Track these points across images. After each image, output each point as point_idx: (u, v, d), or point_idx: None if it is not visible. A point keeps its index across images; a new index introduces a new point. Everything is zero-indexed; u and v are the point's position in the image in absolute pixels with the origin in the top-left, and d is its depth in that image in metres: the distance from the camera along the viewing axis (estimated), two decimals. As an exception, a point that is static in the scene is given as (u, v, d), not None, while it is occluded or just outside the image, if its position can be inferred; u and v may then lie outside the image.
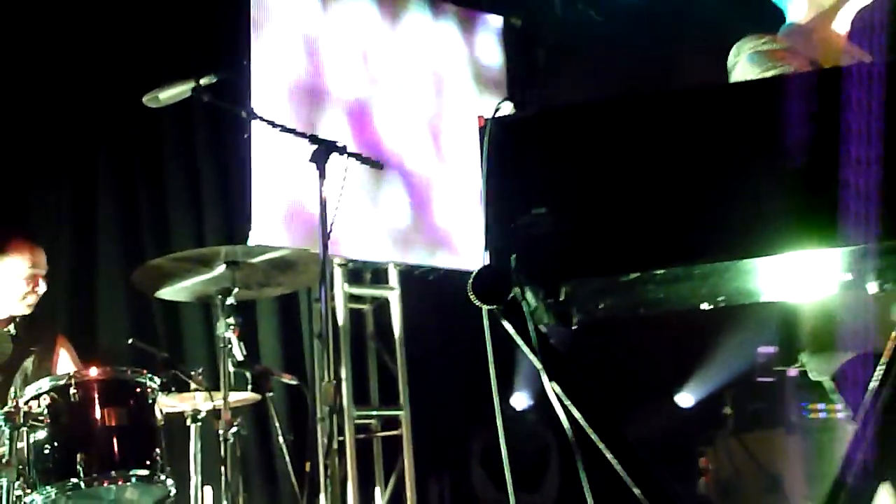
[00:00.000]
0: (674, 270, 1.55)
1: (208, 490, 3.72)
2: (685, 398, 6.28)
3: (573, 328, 1.75)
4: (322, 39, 5.40)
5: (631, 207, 1.55)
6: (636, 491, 1.51)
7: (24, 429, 3.10)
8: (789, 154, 1.50)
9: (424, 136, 5.73)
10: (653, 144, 1.57)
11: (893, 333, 1.47)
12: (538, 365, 1.54)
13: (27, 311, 3.83)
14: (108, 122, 5.02)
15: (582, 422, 1.54)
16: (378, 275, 5.71)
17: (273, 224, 4.87)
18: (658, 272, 1.54)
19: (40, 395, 3.21)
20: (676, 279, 1.60)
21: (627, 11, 6.74)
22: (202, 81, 3.44)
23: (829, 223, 1.42)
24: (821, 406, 6.29)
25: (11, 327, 3.80)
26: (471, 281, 1.51)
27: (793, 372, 6.60)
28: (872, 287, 1.63)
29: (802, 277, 1.67)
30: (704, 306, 1.75)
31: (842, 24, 2.62)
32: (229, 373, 3.52)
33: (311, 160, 3.33)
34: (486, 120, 1.63)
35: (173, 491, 3.36)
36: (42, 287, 3.81)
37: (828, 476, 1.46)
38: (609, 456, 1.52)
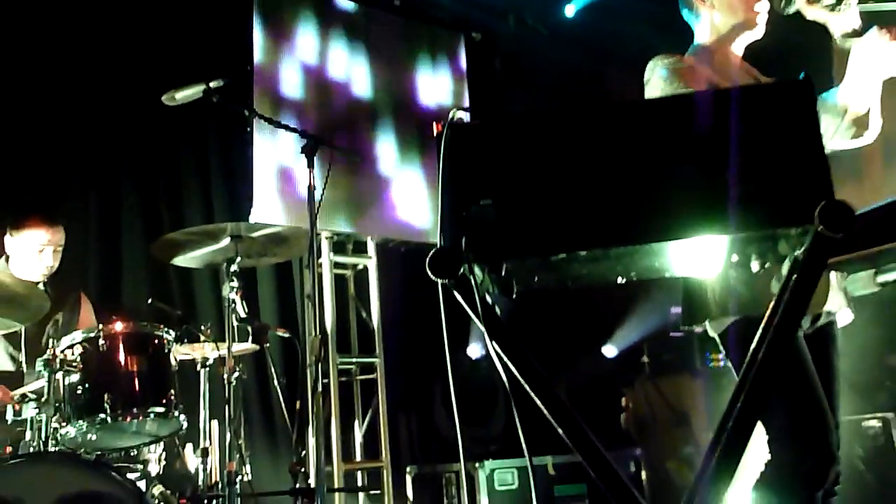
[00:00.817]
0: (594, 252, 1.58)
1: (215, 423, 3.73)
2: (610, 350, 6.36)
3: (514, 297, 1.77)
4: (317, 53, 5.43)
5: (559, 200, 1.58)
6: (559, 430, 1.54)
7: (60, 373, 3.11)
8: (689, 158, 1.54)
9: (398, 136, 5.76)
10: (577, 149, 1.60)
11: (771, 304, 1.50)
12: (482, 329, 1.56)
13: (41, 279, 3.82)
14: (132, 120, 4.97)
15: (517, 374, 1.56)
16: (358, 246, 5.73)
17: (269, 204, 4.87)
18: (581, 253, 1.57)
19: (74, 344, 3.21)
20: (596, 259, 1.62)
21: (569, 29, 6.76)
22: (212, 84, 3.42)
23: (720, 215, 1.47)
24: (721, 356, 6.41)
25: (42, 286, 3.79)
26: (427, 260, 1.54)
27: (698, 329, 6.72)
28: (755, 266, 1.67)
29: (699, 258, 1.70)
30: (620, 280, 1.78)
31: (738, 47, 2.65)
32: (233, 327, 3.52)
33: (301, 151, 3.33)
34: (443, 126, 1.65)
35: (185, 425, 3.38)
36: (50, 260, 3.81)
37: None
38: (537, 402, 1.54)
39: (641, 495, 5.26)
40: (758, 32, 2.61)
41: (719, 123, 1.52)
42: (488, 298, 1.63)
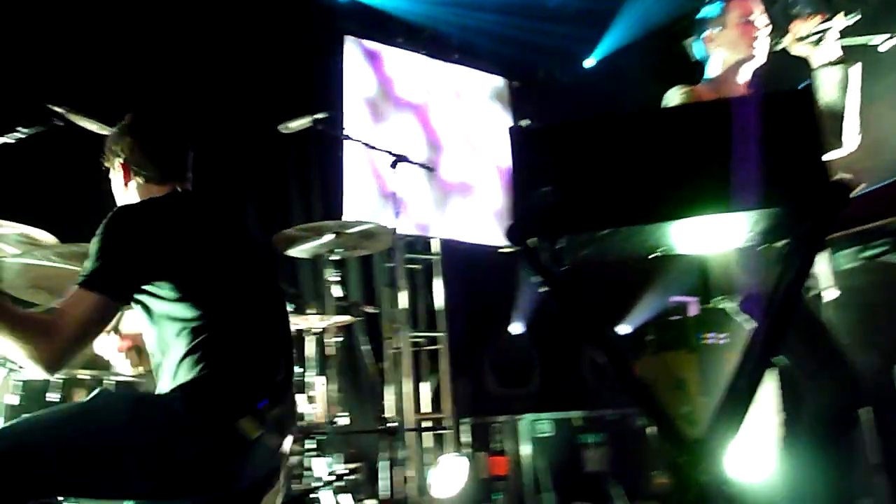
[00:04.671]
0: (630, 228, 1.57)
1: (321, 378, 3.76)
2: (623, 328, 6.29)
3: (563, 269, 1.76)
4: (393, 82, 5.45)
5: (603, 188, 1.58)
6: (612, 367, 1.51)
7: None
8: (709, 153, 1.52)
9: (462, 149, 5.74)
10: (620, 146, 1.60)
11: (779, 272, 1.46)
12: (546, 287, 1.56)
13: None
14: (255, 146, 5.03)
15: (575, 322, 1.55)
16: (426, 245, 5.74)
17: (358, 206, 4.90)
18: (620, 229, 1.56)
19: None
20: (631, 235, 1.61)
21: (588, 77, 6.74)
22: (318, 116, 3.46)
23: (733, 196, 1.44)
24: (710, 335, 6.30)
25: None
26: (505, 232, 1.55)
27: (693, 312, 6.62)
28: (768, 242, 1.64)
29: (716, 235, 1.66)
30: (651, 255, 1.76)
31: (742, 77, 2.59)
32: (332, 304, 3.56)
33: (391, 166, 3.35)
34: (513, 130, 1.65)
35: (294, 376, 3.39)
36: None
37: (713, 380, 1.48)
38: (592, 344, 1.52)
39: (648, 445, 5.20)
40: (759, 60, 2.55)
41: (735, 123, 1.50)
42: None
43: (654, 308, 6.26)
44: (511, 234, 1.53)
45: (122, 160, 1.96)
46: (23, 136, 2.91)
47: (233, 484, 1.68)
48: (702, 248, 1.84)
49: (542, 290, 1.65)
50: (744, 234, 1.66)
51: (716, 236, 1.70)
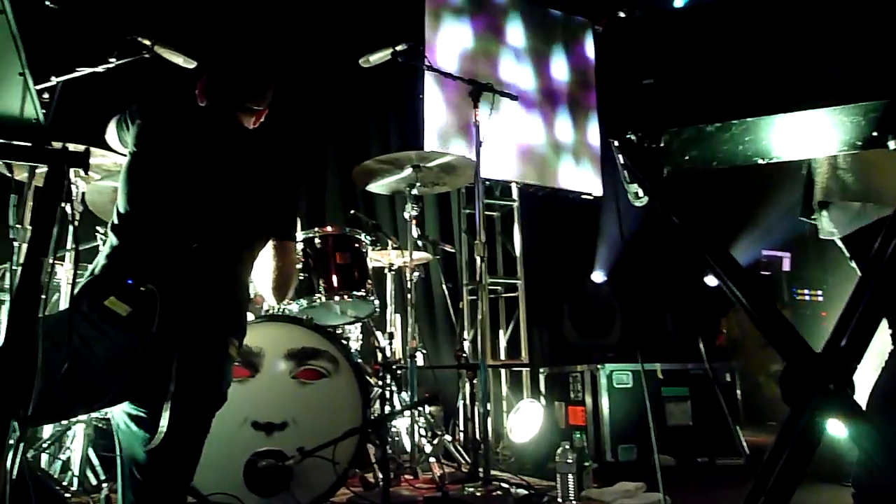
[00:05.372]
0: (741, 126, 1.43)
1: (397, 316, 3.76)
2: (712, 280, 6.05)
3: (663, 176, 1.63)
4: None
5: (711, 76, 1.44)
6: (717, 270, 1.39)
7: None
8: (820, 41, 1.36)
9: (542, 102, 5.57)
10: (724, 34, 1.46)
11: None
12: (646, 185, 1.44)
13: None
14: (336, 82, 5.02)
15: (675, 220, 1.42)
16: (505, 191, 5.63)
17: (438, 139, 4.83)
18: (732, 124, 1.43)
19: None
20: (735, 136, 1.48)
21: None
22: (397, 48, 3.38)
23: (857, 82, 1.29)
24: (806, 291, 5.99)
25: None
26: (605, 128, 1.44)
27: (786, 267, 6.29)
28: (893, 144, 1.46)
29: (832, 133, 1.49)
30: (760, 161, 1.60)
31: None
32: (414, 240, 3.53)
33: (469, 94, 3.26)
34: (610, 21, 1.53)
35: (378, 310, 3.39)
36: None
37: (807, 339, 1.32)
38: (693, 243, 1.40)
39: (736, 401, 5.00)
40: None
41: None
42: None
43: (744, 260, 6.01)
44: (609, 127, 1.43)
45: (200, 82, 2.17)
46: (111, 67, 2.99)
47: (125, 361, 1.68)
48: (808, 151, 1.66)
49: (639, 200, 1.54)
50: (852, 135, 1.48)
51: (824, 137, 1.53)
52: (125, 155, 1.94)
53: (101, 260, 1.82)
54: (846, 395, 1.22)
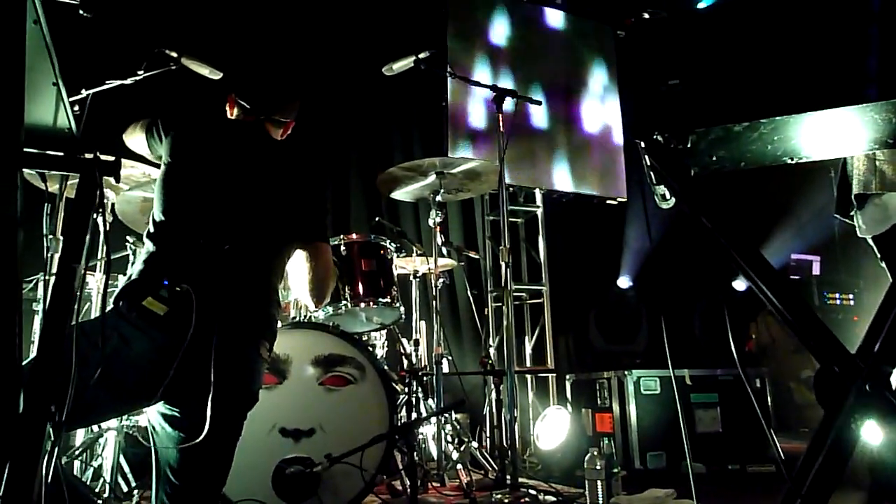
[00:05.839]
0: (769, 125, 1.41)
1: (423, 323, 3.75)
2: (740, 284, 5.97)
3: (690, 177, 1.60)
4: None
5: (738, 75, 1.43)
6: (742, 263, 1.37)
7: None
8: (851, 41, 1.33)
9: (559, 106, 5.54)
10: (750, 35, 1.43)
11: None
12: (674, 186, 1.42)
13: None
14: (359, 91, 5.05)
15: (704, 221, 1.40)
16: (528, 196, 5.62)
17: (461, 146, 4.83)
18: (760, 123, 1.40)
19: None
20: (764, 135, 1.46)
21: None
22: (420, 56, 3.39)
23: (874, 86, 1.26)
24: (837, 295, 5.88)
25: None
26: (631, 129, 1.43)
27: (815, 271, 6.18)
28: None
29: (862, 131, 1.45)
30: (790, 161, 1.58)
31: None
32: (438, 247, 3.53)
33: (492, 101, 3.26)
34: (635, 22, 1.52)
35: (403, 316, 3.39)
36: None
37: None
38: (722, 241, 1.38)
39: (766, 407, 4.92)
40: None
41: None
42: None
43: (774, 265, 5.93)
44: (635, 128, 1.42)
45: (231, 94, 2.21)
46: (139, 79, 3.04)
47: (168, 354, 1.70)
48: (838, 150, 1.63)
49: (665, 202, 1.53)
50: (884, 133, 1.45)
51: (854, 135, 1.50)
52: (149, 161, 1.97)
53: (137, 265, 1.87)
54: (883, 395, 1.20)
